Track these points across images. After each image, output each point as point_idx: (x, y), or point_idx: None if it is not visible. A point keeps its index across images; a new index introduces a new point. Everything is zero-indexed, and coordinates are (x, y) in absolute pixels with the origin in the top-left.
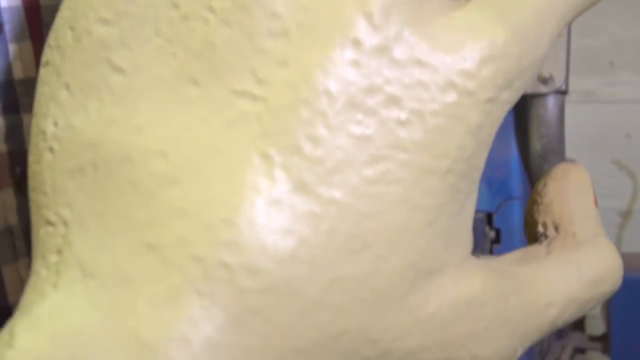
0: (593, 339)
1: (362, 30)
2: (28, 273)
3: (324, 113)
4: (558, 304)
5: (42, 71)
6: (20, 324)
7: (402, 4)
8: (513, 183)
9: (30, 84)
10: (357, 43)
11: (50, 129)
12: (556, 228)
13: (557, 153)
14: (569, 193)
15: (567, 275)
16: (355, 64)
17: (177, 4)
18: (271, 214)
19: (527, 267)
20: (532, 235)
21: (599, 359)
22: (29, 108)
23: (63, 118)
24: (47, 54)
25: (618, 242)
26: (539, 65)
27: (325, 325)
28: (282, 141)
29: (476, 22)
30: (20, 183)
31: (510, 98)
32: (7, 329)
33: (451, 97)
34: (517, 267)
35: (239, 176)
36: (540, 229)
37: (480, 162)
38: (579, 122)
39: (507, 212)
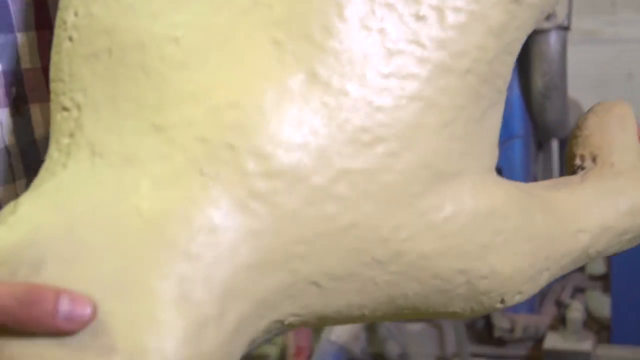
0: (593, 278)
1: None
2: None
3: (339, 3)
4: (590, 231)
5: None
6: (27, 196)
7: None
8: (515, 122)
9: (24, 2)
10: None
11: (70, 18)
12: (594, 159)
13: (559, 90)
14: (610, 125)
15: (601, 204)
16: None
17: None
18: (280, 101)
19: (557, 192)
20: (569, 169)
21: (599, 298)
22: (24, 27)
23: (83, 7)
24: None
25: None
26: None
27: (331, 216)
28: (294, 29)
29: None
30: (16, 103)
31: (537, 2)
32: (13, 201)
33: None
34: (546, 191)
35: (249, 61)
36: (578, 161)
37: (504, 70)
38: (581, 62)
39: (509, 151)
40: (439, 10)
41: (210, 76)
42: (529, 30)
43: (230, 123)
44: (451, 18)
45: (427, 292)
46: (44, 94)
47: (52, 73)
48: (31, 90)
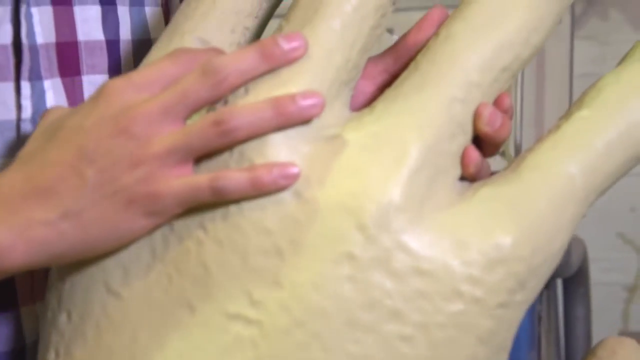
0: None
1: (356, 243)
2: None
3: (320, 335)
4: None
5: (47, 295)
6: None
7: (399, 211)
8: None
9: None
10: (351, 257)
11: (51, 357)
12: None
13: None
14: None
15: None
16: (351, 279)
17: (172, 224)
18: None
19: None
20: None
21: None
22: None
23: (63, 346)
24: (52, 276)
25: (625, 318)
26: (557, 258)
27: None
28: None
29: (482, 219)
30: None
31: (525, 298)
32: None
33: (457, 306)
34: None
35: None
36: None
37: None
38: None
39: None
40: (425, 328)
41: None
42: (518, 323)
43: None
44: (438, 335)
45: None
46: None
47: None
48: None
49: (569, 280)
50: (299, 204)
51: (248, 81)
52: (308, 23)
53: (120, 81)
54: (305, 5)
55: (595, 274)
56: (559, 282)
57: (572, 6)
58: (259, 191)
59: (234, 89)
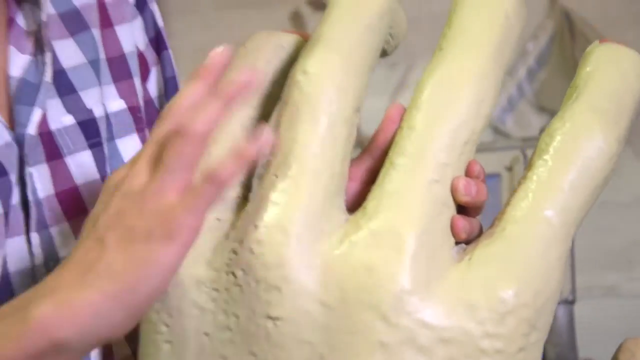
0: None
1: (383, 331)
2: None
3: None
4: None
5: None
6: None
7: (411, 294)
8: None
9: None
10: (382, 345)
11: None
12: None
13: None
14: None
15: None
16: None
17: (225, 357)
18: None
19: None
20: None
21: None
22: None
23: None
24: None
25: None
26: (557, 293)
27: None
28: None
29: (483, 280)
30: None
31: (539, 337)
32: None
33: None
34: None
35: None
36: None
37: None
38: (604, 317)
39: None
40: None
41: None
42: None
43: None
44: None
45: None
46: None
47: None
48: None
49: None
50: (326, 312)
51: None
52: (290, 154)
53: (114, 174)
54: (283, 137)
55: None
56: None
57: None
58: (241, 161)
59: None
